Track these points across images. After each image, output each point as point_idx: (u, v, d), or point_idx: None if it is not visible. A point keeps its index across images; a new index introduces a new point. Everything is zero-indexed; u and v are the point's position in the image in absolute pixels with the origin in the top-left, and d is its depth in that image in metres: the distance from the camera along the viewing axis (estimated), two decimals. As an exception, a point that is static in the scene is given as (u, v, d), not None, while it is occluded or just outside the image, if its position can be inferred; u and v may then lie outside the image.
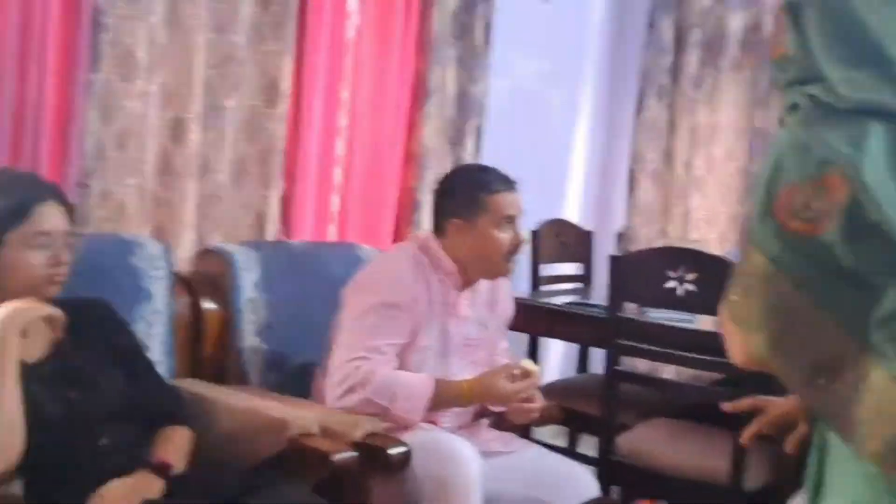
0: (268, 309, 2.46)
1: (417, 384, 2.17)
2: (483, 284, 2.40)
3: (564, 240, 3.77)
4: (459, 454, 2.11)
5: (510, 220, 2.30)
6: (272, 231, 2.75)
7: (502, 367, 2.24)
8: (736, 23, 4.21)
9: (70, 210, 1.87)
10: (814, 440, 1.15)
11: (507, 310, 2.53)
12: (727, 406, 1.72)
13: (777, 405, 1.67)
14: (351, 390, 2.12)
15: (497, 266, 2.33)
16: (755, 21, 4.18)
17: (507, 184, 2.34)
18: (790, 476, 2.49)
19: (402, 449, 2.06)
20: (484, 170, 2.41)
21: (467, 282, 2.34)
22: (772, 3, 4.09)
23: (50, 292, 1.81)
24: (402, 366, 2.22)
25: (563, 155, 4.23)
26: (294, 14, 2.69)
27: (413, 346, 2.25)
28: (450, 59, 3.30)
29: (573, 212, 4.22)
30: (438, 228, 2.34)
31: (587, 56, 4.28)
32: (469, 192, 2.30)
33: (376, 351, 2.16)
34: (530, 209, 3.74)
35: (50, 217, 1.80)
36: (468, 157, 3.40)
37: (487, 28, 3.38)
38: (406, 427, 2.15)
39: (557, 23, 3.96)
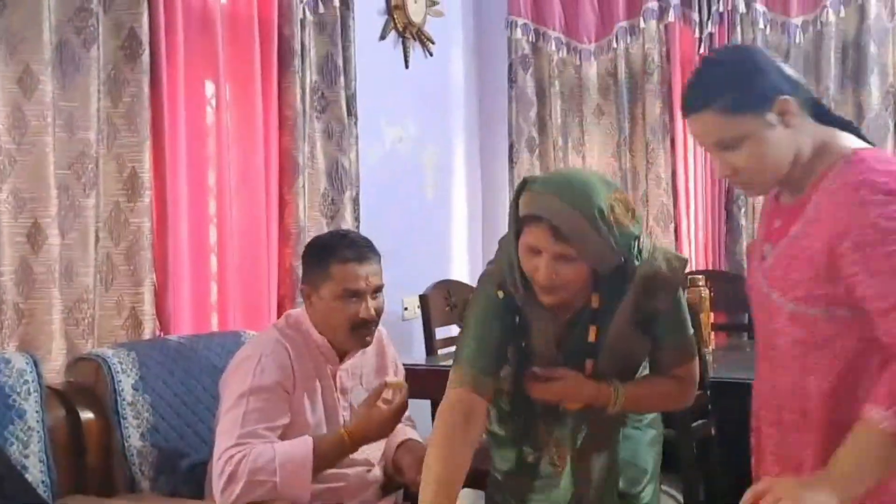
0: (151, 411, 2.36)
1: (295, 448, 2.09)
2: (370, 350, 2.33)
3: (456, 300, 3.75)
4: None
5: (356, 293, 2.18)
6: (149, 329, 2.64)
7: (371, 394, 2.17)
8: (592, 70, 4.34)
9: None
10: None
11: (395, 372, 2.46)
12: None
13: None
14: (231, 480, 2.03)
15: (342, 339, 2.24)
16: (610, 68, 4.31)
17: (360, 254, 2.20)
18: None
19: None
20: (341, 237, 2.29)
21: (342, 352, 2.28)
22: (622, 50, 4.23)
23: None
24: None
25: (444, 215, 4.24)
26: (147, 104, 2.62)
27: (300, 426, 2.17)
28: (316, 133, 3.27)
29: (462, 271, 4.22)
30: (303, 299, 2.30)
31: (454, 116, 4.33)
32: (317, 260, 2.23)
33: (252, 436, 2.08)
34: (418, 274, 3.78)
35: None
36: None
37: (350, 99, 3.37)
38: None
39: (420, 87, 4.00)
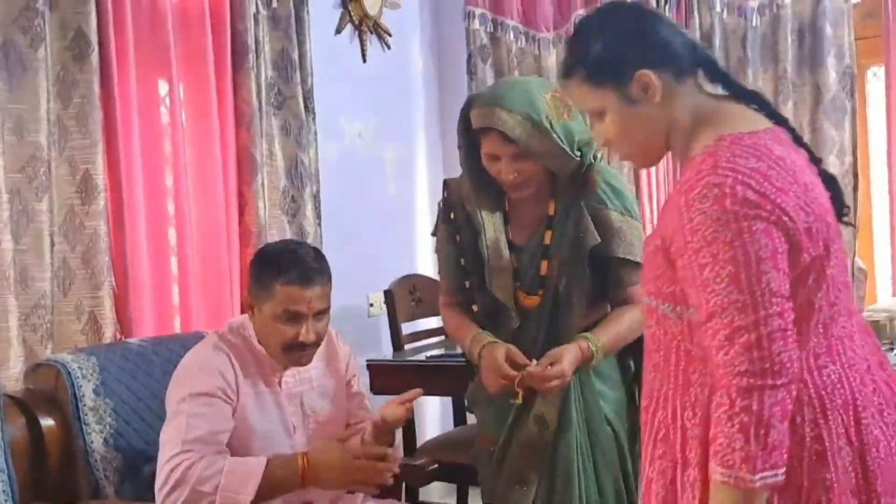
0: (113, 416, 2.32)
1: (247, 464, 2.06)
2: (318, 355, 2.30)
3: (421, 294, 3.73)
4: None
5: (296, 316, 2.14)
6: (110, 333, 2.60)
7: (355, 434, 2.15)
8: (551, 59, 4.33)
9: None
10: None
11: (348, 370, 2.43)
12: None
13: None
14: (174, 488, 2.00)
15: (276, 357, 2.21)
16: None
17: (306, 276, 2.14)
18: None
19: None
20: (290, 253, 2.19)
21: None
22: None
23: None
24: (248, 455, 2.12)
25: (408, 209, 4.22)
26: (98, 105, 2.57)
27: (246, 433, 2.16)
28: (273, 130, 3.24)
29: (427, 265, 4.19)
30: (247, 310, 2.27)
31: (414, 109, 4.30)
32: (262, 275, 2.18)
33: (197, 442, 2.05)
34: (383, 269, 3.75)
35: None
36: (310, 228, 3.34)
37: (307, 95, 3.34)
38: None
39: (378, 80, 3.97)
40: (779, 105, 3.90)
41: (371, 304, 3.87)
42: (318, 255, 2.24)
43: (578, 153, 2.16)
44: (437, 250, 2.46)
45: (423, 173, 4.31)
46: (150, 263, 2.79)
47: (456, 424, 3.73)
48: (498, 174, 2.19)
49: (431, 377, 3.15)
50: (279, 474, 2.05)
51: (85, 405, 2.27)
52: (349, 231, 3.68)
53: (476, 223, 2.28)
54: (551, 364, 2.09)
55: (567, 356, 2.10)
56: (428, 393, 3.50)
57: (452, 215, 2.35)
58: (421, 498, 3.25)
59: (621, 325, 2.20)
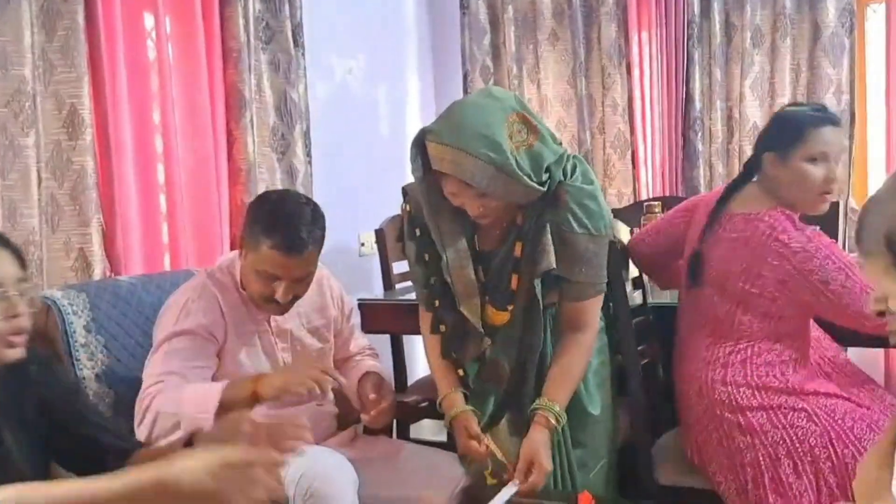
0: (105, 352, 2.31)
1: (208, 385, 2.06)
2: (309, 291, 2.29)
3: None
4: (332, 471, 2.02)
5: (273, 276, 2.11)
6: (99, 270, 2.58)
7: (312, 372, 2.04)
8: (546, -5, 4.27)
9: (19, 256, 1.64)
10: None
11: (341, 308, 2.42)
12: None
13: None
14: (143, 416, 2.03)
15: (254, 303, 2.21)
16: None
17: (294, 247, 2.08)
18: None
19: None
20: (288, 217, 2.12)
21: None
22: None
23: (9, 358, 1.56)
24: None
25: (398, 149, 4.16)
26: (83, 38, 2.52)
27: (235, 372, 2.16)
28: (262, 65, 3.18)
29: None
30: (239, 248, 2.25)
31: (406, 47, 4.25)
32: (256, 226, 2.13)
33: (171, 374, 2.06)
34: (374, 209, 3.72)
35: None
36: (300, 166, 3.30)
37: (296, 29, 3.27)
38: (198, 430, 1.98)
39: (369, 16, 3.91)
40: (776, 42, 3.86)
41: (362, 244, 3.86)
42: (315, 219, 2.14)
43: (547, 175, 2.03)
44: (408, 263, 2.35)
45: (414, 112, 4.27)
46: (138, 200, 2.77)
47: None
48: (462, 206, 2.07)
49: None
50: (234, 384, 2.04)
51: (76, 341, 2.26)
52: (340, 170, 3.65)
53: (437, 243, 2.18)
54: (529, 465, 2.07)
55: (542, 451, 2.07)
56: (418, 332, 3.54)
57: (418, 232, 2.23)
58: (412, 434, 3.27)
59: (575, 377, 2.17)
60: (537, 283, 2.09)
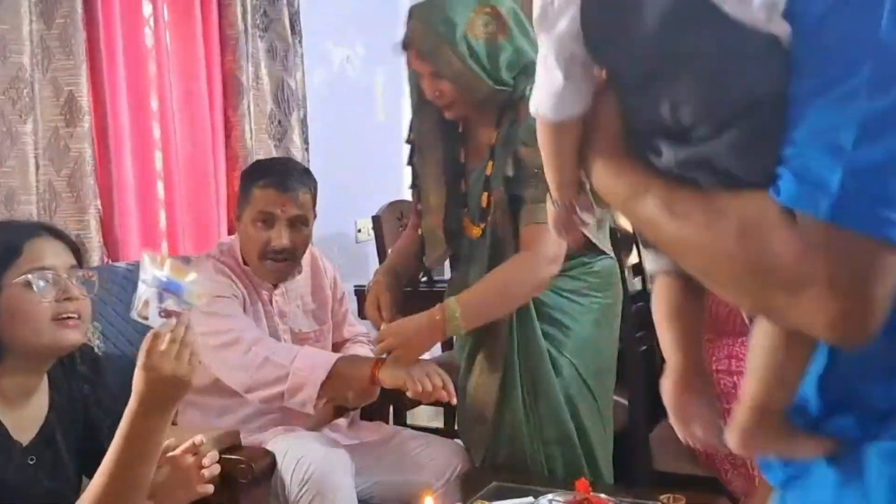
0: (102, 339, 2.33)
1: (324, 352, 2.14)
2: (304, 273, 2.31)
3: (408, 220, 3.71)
4: (329, 457, 2.05)
5: (268, 217, 2.15)
6: (97, 257, 2.59)
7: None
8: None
9: (74, 248, 1.68)
10: None
11: (334, 290, 2.44)
12: None
13: None
14: (246, 354, 2.07)
15: (254, 268, 2.22)
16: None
17: (283, 181, 2.14)
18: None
19: (265, 461, 2.01)
20: (275, 162, 2.26)
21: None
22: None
23: (66, 340, 1.59)
24: None
25: (396, 135, 4.18)
26: (81, 26, 2.52)
27: None
28: (259, 52, 3.19)
29: (414, 192, 4.19)
30: (237, 222, 2.27)
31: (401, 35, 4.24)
32: (244, 183, 2.21)
33: (246, 329, 2.10)
34: (371, 195, 3.74)
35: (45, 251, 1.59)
36: (297, 153, 3.31)
37: (294, 17, 3.28)
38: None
39: (366, 5, 3.91)
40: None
41: (359, 230, 3.88)
42: (305, 170, 2.25)
43: (510, 76, 1.99)
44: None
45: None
46: (136, 187, 2.78)
47: (444, 349, 3.77)
48: (424, 91, 2.09)
49: (419, 303, 3.15)
50: (352, 368, 2.07)
51: (73, 328, 2.27)
52: (337, 157, 3.66)
53: (417, 154, 2.21)
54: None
55: (405, 322, 2.07)
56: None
57: (411, 136, 2.28)
58: (408, 421, 3.29)
59: (489, 284, 2.04)
60: (502, 201, 2.05)
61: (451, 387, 2.03)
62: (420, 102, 2.17)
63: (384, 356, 2.04)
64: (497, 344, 2.12)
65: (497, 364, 2.13)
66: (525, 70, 1.99)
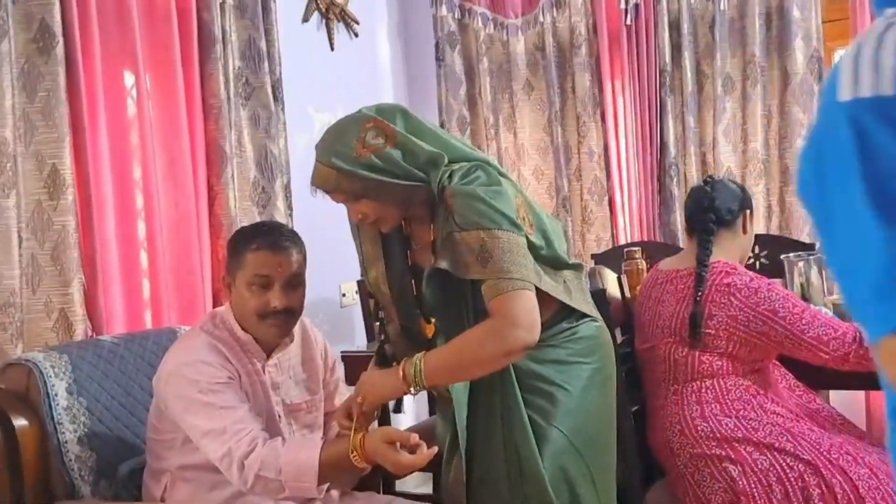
0: (87, 415, 2.28)
1: (304, 454, 2.03)
2: (295, 343, 2.29)
3: (393, 283, 3.70)
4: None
5: (264, 280, 2.13)
6: (81, 330, 2.56)
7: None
8: (519, 46, 4.32)
9: None
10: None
11: (325, 359, 2.41)
12: None
13: None
14: (240, 471, 2.02)
15: (254, 330, 2.19)
16: (538, 42, 4.30)
17: (275, 242, 2.14)
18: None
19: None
20: (262, 225, 2.26)
21: (268, 348, 2.24)
22: (549, 23, 4.22)
23: None
24: None
25: (378, 199, 4.19)
26: (64, 98, 2.52)
27: None
28: (242, 120, 3.20)
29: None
30: (226, 289, 2.25)
31: (383, 97, 4.27)
32: (235, 248, 2.19)
33: (242, 421, 2.05)
34: (355, 259, 3.71)
35: None
36: (281, 219, 3.30)
37: (276, 85, 3.30)
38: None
39: (346, 69, 3.94)
40: (747, 89, 3.92)
41: (343, 294, 3.85)
42: (292, 231, 2.26)
43: (423, 174, 1.99)
44: None
45: (393, 162, 4.29)
46: (119, 258, 2.76)
47: (431, 413, 3.73)
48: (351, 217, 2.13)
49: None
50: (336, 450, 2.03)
51: (58, 404, 2.23)
52: (320, 222, 3.63)
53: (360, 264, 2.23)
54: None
55: (368, 377, 2.08)
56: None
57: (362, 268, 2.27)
58: (397, 488, 3.24)
59: (456, 345, 1.98)
60: (444, 290, 2.03)
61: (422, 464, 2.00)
62: (356, 228, 2.21)
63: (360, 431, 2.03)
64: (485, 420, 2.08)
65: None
66: (432, 163, 1.99)
